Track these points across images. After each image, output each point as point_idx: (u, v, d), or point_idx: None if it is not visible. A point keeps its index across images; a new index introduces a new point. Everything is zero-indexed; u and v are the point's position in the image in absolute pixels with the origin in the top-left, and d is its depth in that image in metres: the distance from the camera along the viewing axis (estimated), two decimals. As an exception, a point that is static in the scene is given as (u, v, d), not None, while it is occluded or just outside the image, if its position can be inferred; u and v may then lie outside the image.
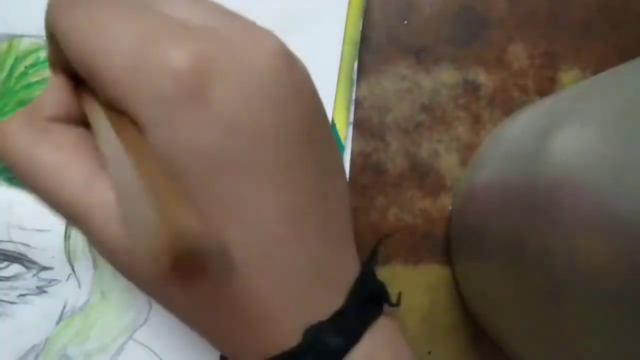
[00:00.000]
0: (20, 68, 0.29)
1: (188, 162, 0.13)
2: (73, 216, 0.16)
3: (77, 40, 0.14)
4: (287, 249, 0.15)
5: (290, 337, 0.16)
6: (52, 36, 0.16)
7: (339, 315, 0.16)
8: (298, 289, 0.15)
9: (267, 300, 0.15)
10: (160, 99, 0.13)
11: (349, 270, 0.18)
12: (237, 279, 0.15)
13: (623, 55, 0.33)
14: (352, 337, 0.16)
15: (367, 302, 0.17)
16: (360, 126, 0.31)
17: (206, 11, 0.15)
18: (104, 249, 0.16)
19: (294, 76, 0.15)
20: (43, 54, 0.30)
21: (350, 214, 0.18)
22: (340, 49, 0.30)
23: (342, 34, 0.31)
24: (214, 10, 0.15)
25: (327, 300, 0.16)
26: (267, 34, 0.15)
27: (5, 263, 0.28)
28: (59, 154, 0.16)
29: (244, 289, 0.15)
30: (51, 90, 0.17)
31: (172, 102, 0.13)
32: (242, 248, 0.14)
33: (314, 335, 0.16)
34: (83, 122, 0.17)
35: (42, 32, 0.30)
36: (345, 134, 0.30)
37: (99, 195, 0.15)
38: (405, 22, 0.32)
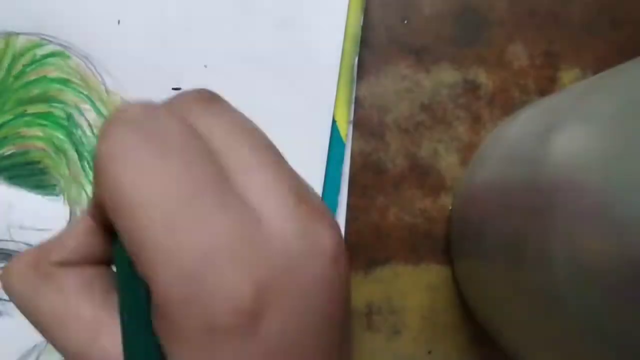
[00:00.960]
0: (18, 67, 0.29)
1: None
2: None
3: (126, 208, 0.13)
4: None
5: None
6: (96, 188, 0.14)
7: None
8: None
9: None
10: (210, 327, 0.12)
11: None
12: None
13: (623, 55, 0.33)
14: None
15: None
16: (360, 126, 0.31)
17: (277, 189, 0.14)
18: None
19: (340, 275, 0.14)
20: (40, 52, 0.30)
21: None
22: (340, 44, 0.30)
23: (343, 29, 0.31)
24: (284, 186, 0.14)
25: None
26: (328, 232, 0.14)
27: (5, 262, 0.28)
28: (60, 303, 0.15)
29: None
30: (68, 236, 0.16)
31: (222, 331, 0.12)
32: None
33: None
34: (101, 260, 0.16)
35: (39, 29, 0.30)
36: (346, 132, 0.30)
37: (102, 351, 0.14)
38: (405, 21, 0.32)
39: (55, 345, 0.15)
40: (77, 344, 0.15)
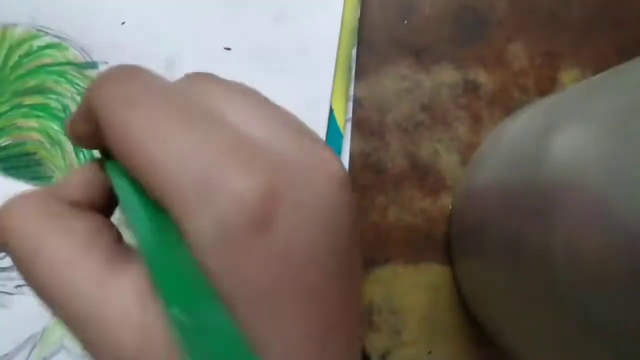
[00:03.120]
0: (14, 57, 0.29)
1: (237, 286, 0.13)
2: (77, 316, 0.14)
3: (135, 143, 0.13)
4: None
5: None
6: (90, 115, 0.15)
7: None
8: None
9: None
10: (224, 226, 0.13)
11: None
12: None
13: (623, 55, 0.33)
14: None
15: None
16: (360, 126, 0.31)
17: (270, 121, 0.15)
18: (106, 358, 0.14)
19: (347, 200, 0.15)
20: (36, 43, 0.29)
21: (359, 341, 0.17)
22: (337, 35, 0.30)
23: (339, 20, 0.31)
24: (278, 120, 0.15)
25: None
26: (330, 157, 0.15)
27: (2, 254, 0.28)
28: (72, 244, 0.14)
29: None
30: (78, 175, 0.16)
31: (235, 230, 0.13)
32: None
33: None
34: (104, 207, 0.16)
35: (35, 21, 0.31)
36: (344, 123, 0.31)
37: (115, 301, 0.14)
38: (405, 22, 0.32)
39: (50, 294, 0.14)
40: (85, 289, 0.14)
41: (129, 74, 0.15)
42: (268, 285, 0.13)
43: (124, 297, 0.14)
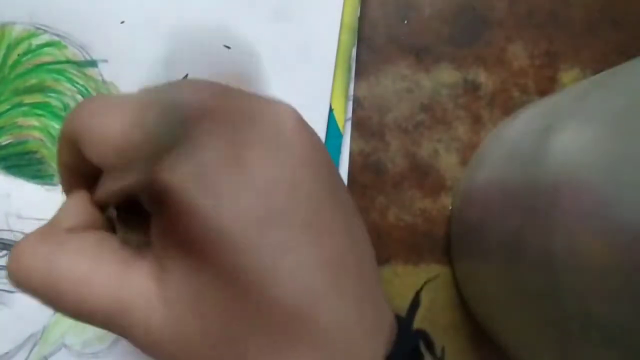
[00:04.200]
0: (14, 56, 0.29)
1: (230, 224, 0.14)
2: (109, 319, 0.15)
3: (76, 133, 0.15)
4: (329, 301, 0.15)
5: None
6: (71, 143, 0.16)
7: None
8: (341, 342, 0.15)
9: (311, 354, 0.15)
10: (203, 168, 0.14)
11: (387, 320, 0.17)
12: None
13: (623, 55, 0.33)
14: None
15: (407, 356, 0.17)
16: (360, 126, 0.31)
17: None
18: (148, 341, 0.15)
19: (312, 136, 0.17)
20: (35, 42, 0.29)
21: (375, 260, 0.18)
22: (337, 34, 0.30)
23: (339, 19, 0.31)
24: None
25: (370, 355, 0.16)
26: (283, 104, 0.17)
27: (4, 252, 0.28)
28: (82, 261, 0.16)
29: None
30: (69, 204, 0.17)
31: (212, 171, 0.14)
32: (287, 299, 0.14)
33: None
34: (103, 227, 0.18)
35: (34, 19, 0.30)
36: (344, 123, 0.30)
37: (136, 287, 0.15)
38: (405, 21, 0.32)
39: (79, 311, 0.15)
40: (109, 294, 0.15)
41: (91, 98, 0.16)
42: (255, 215, 0.14)
43: (145, 283, 0.15)
